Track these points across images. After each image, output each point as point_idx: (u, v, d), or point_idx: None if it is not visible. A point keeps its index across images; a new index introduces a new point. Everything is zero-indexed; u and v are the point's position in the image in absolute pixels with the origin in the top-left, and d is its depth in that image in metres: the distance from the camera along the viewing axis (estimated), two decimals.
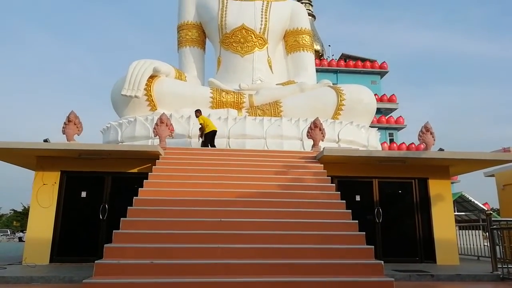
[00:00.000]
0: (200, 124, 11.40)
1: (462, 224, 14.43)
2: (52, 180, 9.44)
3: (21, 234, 32.38)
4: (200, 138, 11.51)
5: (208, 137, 11.24)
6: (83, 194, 9.56)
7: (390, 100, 34.24)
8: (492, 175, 12.43)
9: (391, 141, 32.99)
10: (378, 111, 27.38)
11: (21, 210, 47.69)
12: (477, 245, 11.50)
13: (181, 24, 16.34)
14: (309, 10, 38.26)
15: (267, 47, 15.68)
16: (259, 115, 13.23)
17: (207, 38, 16.64)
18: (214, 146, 11.28)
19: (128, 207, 7.03)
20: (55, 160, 9.47)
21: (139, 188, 7.70)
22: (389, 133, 33.64)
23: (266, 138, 12.44)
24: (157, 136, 10.23)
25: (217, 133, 12.05)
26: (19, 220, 47.55)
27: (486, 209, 26.45)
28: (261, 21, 15.45)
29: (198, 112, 11.61)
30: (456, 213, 22.85)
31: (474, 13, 79.75)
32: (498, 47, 76.59)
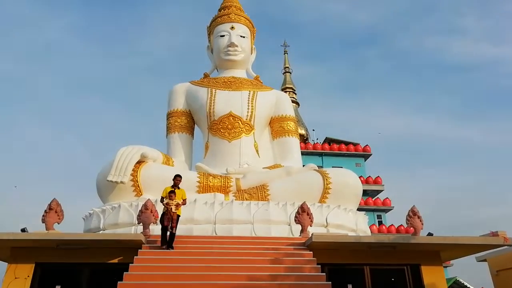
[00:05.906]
0: (184, 200, 9.34)
1: None
2: (25, 273, 8.81)
3: None
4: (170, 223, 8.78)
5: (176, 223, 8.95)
6: None
7: (376, 182, 34.73)
8: (484, 260, 12.17)
9: (380, 223, 32.66)
10: (365, 193, 27.55)
11: None
12: None
13: (170, 112, 16.94)
14: (293, 98, 40.52)
15: (253, 132, 16.17)
16: (246, 199, 13.10)
17: (195, 124, 17.17)
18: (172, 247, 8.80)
19: None
20: (30, 251, 8.95)
21: (118, 282, 7.24)
22: (377, 215, 33.47)
23: (253, 223, 12.15)
24: (141, 223, 9.92)
25: (203, 218, 11.73)
26: None
27: None
28: (248, 108, 16.16)
29: (179, 179, 9.44)
30: None
31: (442, 102, 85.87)
32: (468, 133, 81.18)
